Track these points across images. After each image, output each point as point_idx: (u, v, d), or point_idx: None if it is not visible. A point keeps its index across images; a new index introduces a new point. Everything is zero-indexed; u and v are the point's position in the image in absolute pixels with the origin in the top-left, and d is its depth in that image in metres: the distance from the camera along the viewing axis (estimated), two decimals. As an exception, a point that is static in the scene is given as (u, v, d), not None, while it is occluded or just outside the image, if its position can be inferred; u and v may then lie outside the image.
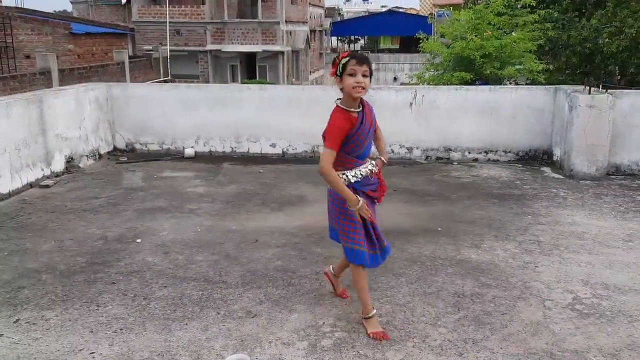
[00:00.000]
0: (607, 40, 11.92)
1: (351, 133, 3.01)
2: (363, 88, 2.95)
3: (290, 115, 7.76)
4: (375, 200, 3.24)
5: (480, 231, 4.88)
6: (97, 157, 7.62)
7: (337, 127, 2.99)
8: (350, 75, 2.94)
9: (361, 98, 3.04)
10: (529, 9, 12.28)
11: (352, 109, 3.02)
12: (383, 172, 3.29)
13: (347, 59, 2.96)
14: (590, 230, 4.88)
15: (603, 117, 6.44)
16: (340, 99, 3.08)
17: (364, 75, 2.95)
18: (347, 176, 3.08)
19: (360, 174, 3.11)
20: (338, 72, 2.98)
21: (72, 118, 7.10)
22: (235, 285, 3.80)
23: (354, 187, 3.09)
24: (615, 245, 4.56)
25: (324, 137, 3.05)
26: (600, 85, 7.00)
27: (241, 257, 4.30)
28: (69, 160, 6.98)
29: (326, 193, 3.25)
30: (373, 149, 3.27)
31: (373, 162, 3.20)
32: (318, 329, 3.23)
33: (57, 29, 18.98)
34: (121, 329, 3.24)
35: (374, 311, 3.22)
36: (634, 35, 11.73)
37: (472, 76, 11.20)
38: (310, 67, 35.55)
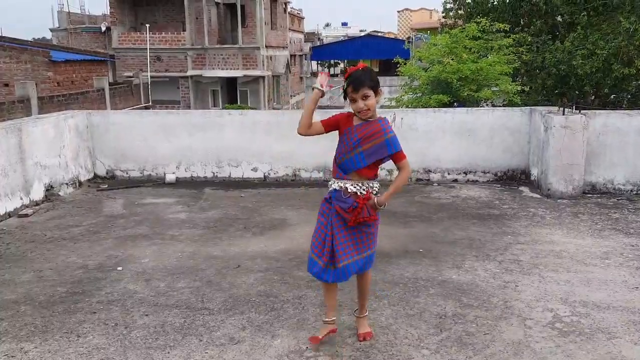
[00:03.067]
0: (580, 62, 12.25)
1: (341, 133, 3.17)
2: (368, 110, 3.07)
3: (271, 139, 7.81)
4: (347, 221, 3.14)
5: (461, 251, 4.93)
6: (77, 184, 7.56)
7: (334, 115, 3.21)
8: (352, 101, 3.07)
9: (379, 116, 3.20)
10: (503, 33, 12.58)
11: (358, 115, 3.15)
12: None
13: (346, 83, 3.07)
14: (568, 249, 4.96)
15: (577, 137, 6.59)
16: None
17: (365, 97, 3.04)
18: (330, 182, 3.24)
19: (336, 186, 3.17)
20: (343, 93, 3.13)
21: (52, 146, 7.06)
22: (218, 312, 3.78)
23: (330, 195, 3.20)
24: (593, 263, 4.63)
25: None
26: (574, 106, 7.18)
27: (223, 282, 4.29)
28: (49, 189, 6.92)
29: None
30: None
31: (359, 185, 3.13)
32: (301, 354, 3.23)
33: (36, 57, 18.93)
34: None
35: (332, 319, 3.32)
36: (605, 56, 12.08)
37: (449, 98, 11.39)
38: (291, 91, 35.81)
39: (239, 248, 5.09)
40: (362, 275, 3.34)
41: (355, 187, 3.12)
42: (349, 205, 3.10)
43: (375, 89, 3.06)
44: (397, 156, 3.17)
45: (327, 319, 3.31)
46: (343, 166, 3.14)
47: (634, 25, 11.78)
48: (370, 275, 3.42)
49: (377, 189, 3.21)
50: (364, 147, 3.10)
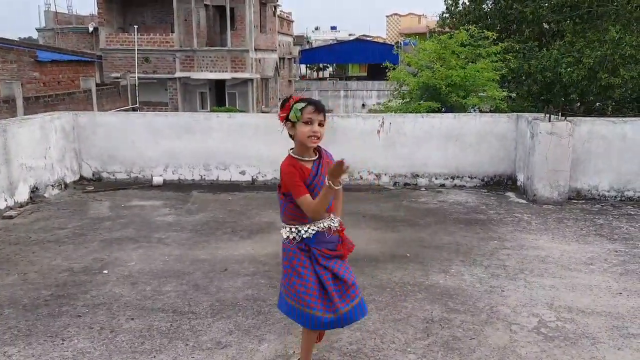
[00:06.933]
0: (566, 69, 12.39)
1: (308, 183, 2.73)
2: (318, 138, 2.73)
3: (259, 142, 7.79)
4: (340, 257, 2.87)
5: (448, 256, 4.96)
6: (63, 186, 7.49)
7: (292, 175, 2.72)
8: (306, 123, 2.70)
9: (318, 146, 2.80)
10: (491, 41, 12.70)
11: (306, 158, 2.76)
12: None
13: (304, 105, 2.72)
14: (553, 254, 5.01)
15: (563, 143, 6.67)
16: (293, 148, 2.82)
17: (320, 124, 2.73)
18: (299, 230, 2.79)
19: (315, 229, 2.79)
20: (291, 118, 2.73)
21: (37, 147, 6.99)
22: (205, 316, 3.77)
23: (306, 243, 2.80)
24: (578, 268, 4.68)
25: (282, 191, 2.81)
26: (560, 113, 7.26)
27: (210, 286, 4.27)
28: (34, 190, 6.85)
29: None
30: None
31: (334, 218, 2.85)
32: (288, 359, 3.22)
33: (23, 57, 18.75)
34: (87, 364, 3.17)
35: None
36: (591, 64, 12.24)
37: (438, 105, 11.47)
38: (279, 94, 35.81)
39: (227, 251, 5.07)
40: None
41: (334, 223, 2.85)
42: (335, 243, 2.85)
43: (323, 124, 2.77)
44: None
45: None
46: None
47: (619, 34, 11.96)
48: None
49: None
50: None
